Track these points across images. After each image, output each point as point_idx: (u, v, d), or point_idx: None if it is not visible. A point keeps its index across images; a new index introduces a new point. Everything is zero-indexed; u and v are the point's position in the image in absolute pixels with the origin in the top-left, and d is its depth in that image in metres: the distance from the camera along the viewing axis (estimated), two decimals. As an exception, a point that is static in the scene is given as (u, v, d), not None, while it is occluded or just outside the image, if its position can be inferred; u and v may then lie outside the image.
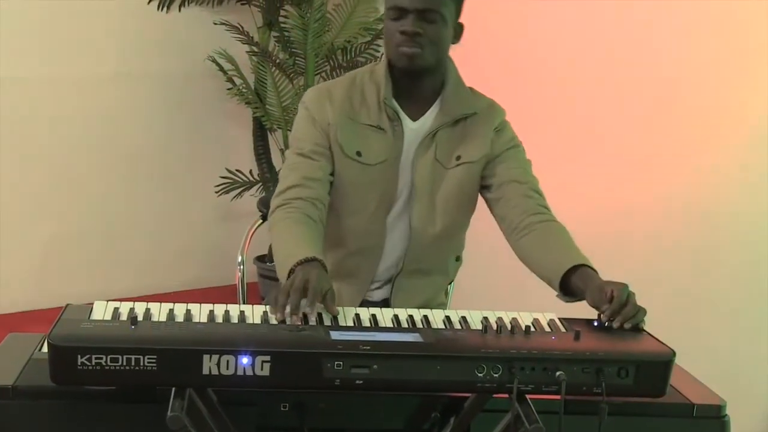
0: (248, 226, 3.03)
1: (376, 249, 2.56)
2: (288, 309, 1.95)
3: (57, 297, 4.90)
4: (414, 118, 2.50)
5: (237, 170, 5.17)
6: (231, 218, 5.49)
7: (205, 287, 5.54)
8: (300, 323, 1.94)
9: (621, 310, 2.03)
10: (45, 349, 2.06)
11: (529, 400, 1.89)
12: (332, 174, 2.50)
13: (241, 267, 2.99)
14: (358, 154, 2.47)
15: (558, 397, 1.86)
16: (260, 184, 5.19)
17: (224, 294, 5.15)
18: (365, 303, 2.57)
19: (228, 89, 5.12)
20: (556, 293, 2.28)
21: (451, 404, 2.11)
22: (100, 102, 5.07)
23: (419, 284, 2.61)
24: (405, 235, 2.55)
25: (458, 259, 2.71)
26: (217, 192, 5.17)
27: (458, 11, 2.46)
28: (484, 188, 2.56)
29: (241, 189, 5.18)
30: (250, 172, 5.23)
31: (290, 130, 5.00)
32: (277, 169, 5.17)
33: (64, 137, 5.01)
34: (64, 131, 5.01)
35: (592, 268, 2.23)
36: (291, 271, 2.12)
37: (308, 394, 2.06)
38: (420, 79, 2.46)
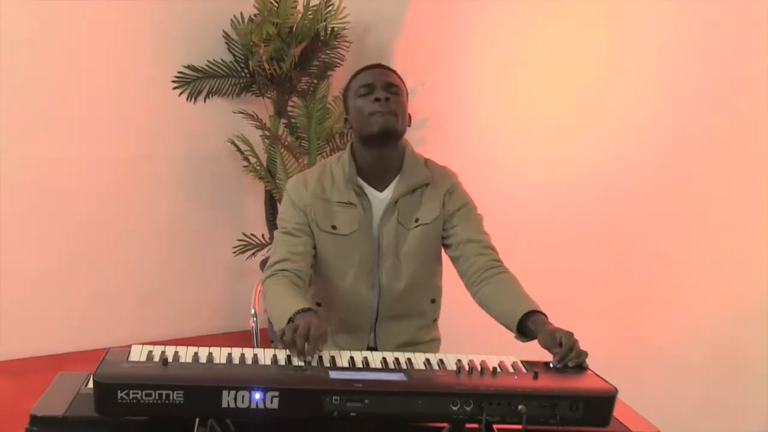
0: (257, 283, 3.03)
1: (366, 306, 2.56)
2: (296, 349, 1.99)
3: (97, 340, 4.93)
4: (380, 190, 2.53)
5: (251, 234, 5.19)
6: (246, 274, 5.49)
7: (225, 332, 5.54)
8: (303, 364, 1.97)
9: (569, 354, 2.07)
10: (90, 385, 2.10)
11: (495, 429, 1.91)
12: (314, 247, 2.52)
13: (254, 317, 2.98)
14: (333, 227, 2.50)
15: (520, 426, 1.88)
16: (270, 245, 5.20)
17: (241, 337, 5.16)
18: None
19: (244, 166, 5.14)
20: (513, 335, 2.30)
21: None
22: (136, 178, 5.09)
23: (398, 327, 2.60)
24: (376, 290, 2.57)
25: (434, 301, 2.69)
26: (234, 252, 5.18)
27: (407, 98, 2.55)
28: (446, 247, 2.58)
29: (255, 250, 5.19)
30: (262, 235, 5.24)
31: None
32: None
33: (105, 208, 5.02)
34: (106, 203, 5.02)
35: (542, 313, 2.27)
36: (290, 320, 2.15)
37: (310, 423, 2.05)
38: (386, 149, 2.49)
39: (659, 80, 3.64)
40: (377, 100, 2.42)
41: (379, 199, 2.53)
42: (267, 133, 5.00)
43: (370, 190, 2.52)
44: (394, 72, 2.54)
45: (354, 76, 2.54)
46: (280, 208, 2.60)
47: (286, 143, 5.01)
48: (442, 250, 2.62)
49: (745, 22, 3.27)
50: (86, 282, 5.04)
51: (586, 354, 2.08)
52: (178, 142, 5.18)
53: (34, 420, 1.97)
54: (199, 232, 5.37)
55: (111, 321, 5.15)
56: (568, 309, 3.86)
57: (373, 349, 2.60)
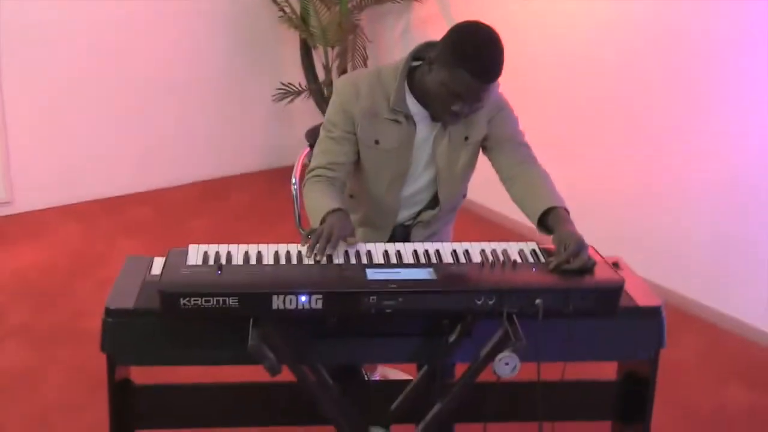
0: (298, 151, 3.02)
1: (391, 213, 2.56)
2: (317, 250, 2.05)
3: (155, 182, 5.06)
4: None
5: (289, 83, 5.18)
6: (284, 118, 5.53)
7: (269, 168, 5.64)
8: (327, 262, 2.04)
9: (568, 261, 2.04)
10: (154, 270, 2.19)
11: (515, 319, 1.97)
12: (357, 152, 2.45)
13: (294, 187, 3.00)
14: (377, 142, 2.42)
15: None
16: (307, 92, 5.21)
17: (282, 174, 5.24)
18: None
19: (279, 16, 5.09)
20: (537, 229, 2.30)
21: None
22: (178, 33, 5.08)
23: (434, 225, 2.62)
24: (433, 203, 2.56)
25: (464, 195, 2.69)
26: (273, 99, 5.20)
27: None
28: (482, 146, 2.51)
29: (293, 97, 5.20)
30: (299, 84, 5.23)
31: (329, 48, 5.03)
32: (320, 80, 5.18)
33: (156, 62, 5.05)
34: (157, 58, 5.05)
35: (565, 209, 2.25)
36: (323, 220, 2.19)
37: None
38: None
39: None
40: (455, 112, 2.27)
41: (428, 119, 2.42)
42: (299, -17, 4.93)
43: (419, 112, 2.41)
44: (498, 77, 2.25)
45: (460, 60, 2.20)
46: (330, 107, 2.46)
47: (318, -8, 4.92)
48: None
49: None
50: (144, 129, 5.14)
51: (593, 263, 2.06)
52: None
53: (109, 312, 2.04)
54: (242, 80, 5.38)
55: (166, 164, 5.26)
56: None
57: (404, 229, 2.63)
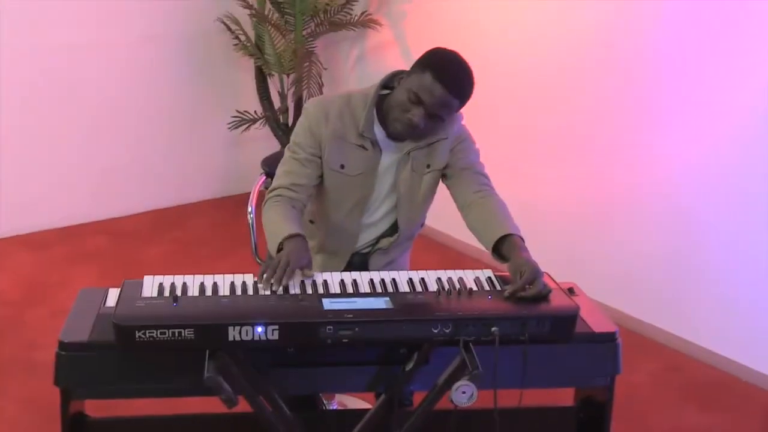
0: (253, 185, 3.01)
1: (351, 239, 2.57)
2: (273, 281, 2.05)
3: (110, 210, 5.02)
4: (395, 140, 2.44)
5: (245, 111, 5.18)
6: (240, 145, 5.51)
7: (221, 196, 5.60)
8: (283, 292, 2.04)
9: (524, 287, 2.06)
10: (108, 303, 2.16)
11: (471, 347, 1.97)
12: (320, 176, 2.47)
13: (251, 215, 2.99)
14: (342, 167, 2.44)
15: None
16: (262, 119, 5.20)
17: (237, 201, 5.21)
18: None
19: (234, 44, 5.08)
20: (492, 256, 2.33)
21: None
22: (132, 60, 5.02)
23: (392, 252, 2.64)
24: (392, 230, 2.58)
25: (422, 224, 2.72)
26: (229, 127, 5.18)
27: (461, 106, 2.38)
28: (443, 177, 2.54)
29: (248, 125, 5.20)
30: (255, 111, 5.22)
31: (285, 75, 5.04)
32: (276, 107, 5.18)
33: (109, 89, 4.98)
34: (108, 84, 4.98)
35: (520, 236, 2.28)
36: (280, 246, 2.20)
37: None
38: None
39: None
40: (412, 122, 2.30)
41: (393, 146, 2.46)
42: (254, 12, 4.92)
43: (384, 140, 2.45)
44: (460, 98, 2.32)
45: (427, 66, 2.29)
46: (297, 126, 2.48)
47: (273, 21, 4.92)
48: None
49: None
50: (99, 158, 5.06)
51: (548, 290, 2.08)
52: (169, 24, 5.08)
53: (62, 345, 2.01)
54: (197, 107, 5.34)
55: (121, 192, 5.20)
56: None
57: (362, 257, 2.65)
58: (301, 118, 2.50)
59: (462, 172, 2.48)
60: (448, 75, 2.28)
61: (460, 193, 2.48)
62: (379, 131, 2.44)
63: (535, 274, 2.09)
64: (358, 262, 2.62)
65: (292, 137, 2.49)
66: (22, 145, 4.76)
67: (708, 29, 3.52)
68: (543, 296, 2.06)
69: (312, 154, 2.44)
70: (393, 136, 2.42)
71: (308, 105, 2.50)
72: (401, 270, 2.63)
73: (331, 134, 2.42)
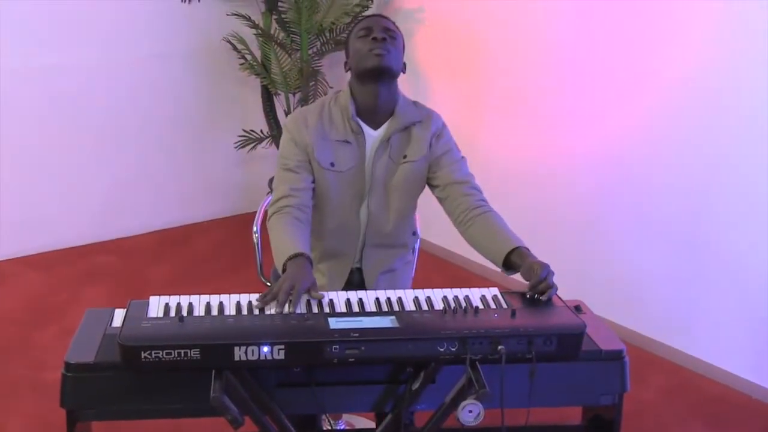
0: (261, 202, 3.04)
1: (354, 235, 2.62)
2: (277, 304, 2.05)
3: (117, 230, 5.02)
4: (375, 128, 2.55)
5: (251, 130, 5.19)
6: (246, 164, 5.52)
7: (228, 216, 5.61)
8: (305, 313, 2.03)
9: (539, 283, 2.16)
10: (114, 323, 2.16)
11: (478, 365, 1.97)
12: (314, 182, 2.54)
13: (257, 234, 3.01)
14: (332, 164, 2.52)
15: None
16: (269, 138, 5.21)
17: (243, 221, 5.22)
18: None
19: (240, 64, 5.09)
20: (499, 269, 2.37)
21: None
22: (139, 80, 5.05)
23: (384, 254, 2.67)
24: (365, 220, 2.62)
25: (415, 233, 2.77)
26: (236, 147, 5.20)
27: (403, 49, 2.56)
28: (433, 188, 2.62)
29: (255, 143, 5.21)
30: (261, 130, 5.24)
31: (291, 93, 5.05)
32: (281, 123, 5.18)
33: (116, 108, 5.01)
34: (117, 103, 5.01)
35: (525, 247, 2.33)
36: (284, 267, 2.23)
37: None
38: (381, 86, 2.48)
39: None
40: (375, 39, 2.45)
41: (374, 136, 2.54)
42: (260, 32, 4.94)
43: (366, 128, 2.54)
44: (393, 22, 2.56)
45: (355, 24, 2.56)
46: (281, 144, 2.59)
47: (279, 40, 4.94)
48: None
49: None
50: (106, 178, 5.09)
51: (555, 288, 2.17)
52: (177, 43, 5.11)
53: (68, 366, 2.00)
54: (204, 127, 5.37)
55: (128, 212, 5.22)
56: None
57: (358, 270, 2.67)
58: (282, 135, 2.60)
59: (457, 186, 2.55)
60: (368, 15, 2.60)
61: (456, 207, 2.53)
62: (359, 120, 2.54)
63: (547, 269, 2.18)
64: (357, 276, 2.68)
65: (279, 154, 2.59)
66: (30, 165, 4.79)
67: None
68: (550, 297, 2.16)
69: (300, 161, 2.52)
70: (370, 76, 2.47)
71: (286, 121, 2.60)
72: (403, 284, 2.70)
73: (314, 136, 2.52)
